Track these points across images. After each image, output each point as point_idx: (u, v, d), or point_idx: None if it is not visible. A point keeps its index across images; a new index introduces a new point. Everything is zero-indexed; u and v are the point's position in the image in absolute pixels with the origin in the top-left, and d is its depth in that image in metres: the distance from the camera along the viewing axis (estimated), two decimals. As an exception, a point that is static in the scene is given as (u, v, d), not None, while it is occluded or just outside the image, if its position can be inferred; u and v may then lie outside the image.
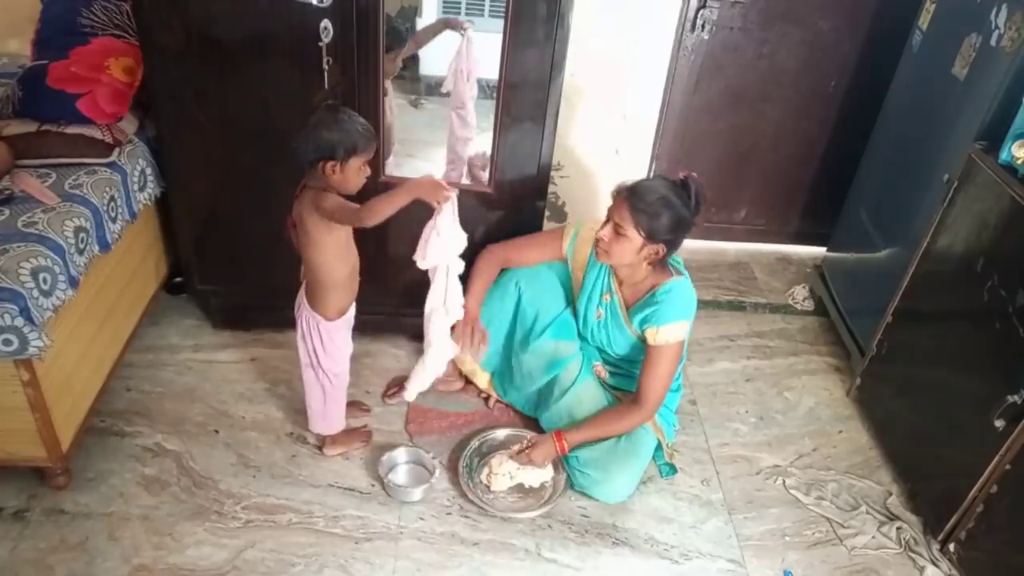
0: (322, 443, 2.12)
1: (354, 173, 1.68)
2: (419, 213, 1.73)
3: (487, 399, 2.34)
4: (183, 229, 2.30)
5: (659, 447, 2.15)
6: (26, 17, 2.47)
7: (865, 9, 2.78)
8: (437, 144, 2.30)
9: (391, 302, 2.37)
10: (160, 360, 2.37)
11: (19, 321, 1.62)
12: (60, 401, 1.85)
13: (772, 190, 3.19)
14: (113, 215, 2.04)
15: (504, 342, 2.26)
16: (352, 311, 1.93)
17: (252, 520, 1.93)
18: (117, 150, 2.13)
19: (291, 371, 2.27)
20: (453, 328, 2.00)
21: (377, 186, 2.03)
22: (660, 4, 2.63)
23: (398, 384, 2.33)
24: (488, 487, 2.04)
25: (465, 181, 2.28)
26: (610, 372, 2.23)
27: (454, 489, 2.06)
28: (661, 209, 1.87)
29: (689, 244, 3.26)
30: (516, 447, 2.08)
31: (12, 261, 1.68)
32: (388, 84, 2.10)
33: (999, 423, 1.78)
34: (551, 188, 2.68)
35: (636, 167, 2.86)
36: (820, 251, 3.04)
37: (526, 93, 2.04)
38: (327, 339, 1.89)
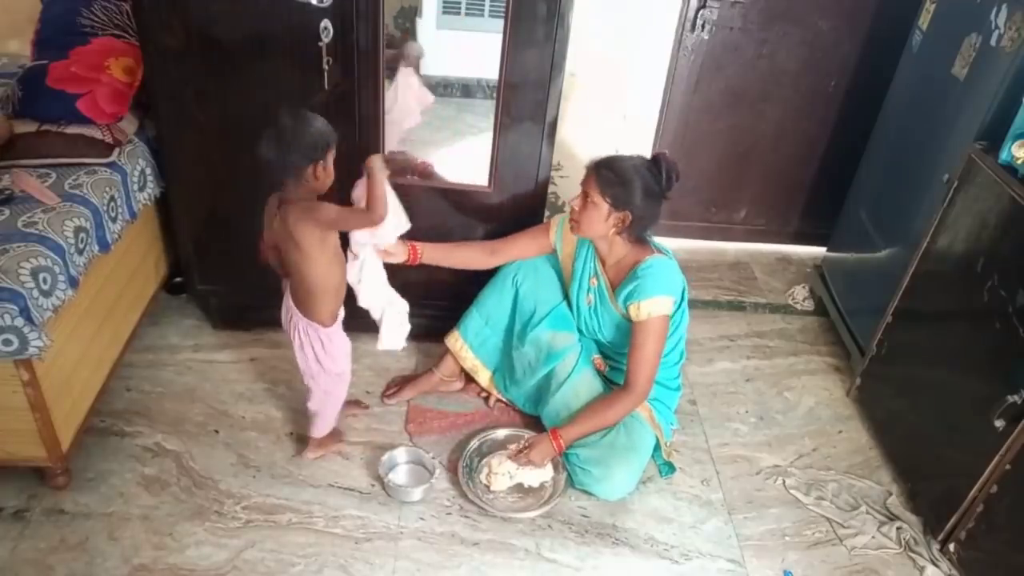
0: (306, 446, 2.10)
1: (331, 169, 1.70)
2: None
3: (487, 398, 2.35)
4: (183, 229, 2.30)
5: (657, 446, 2.15)
6: (26, 17, 2.47)
7: (865, 9, 2.78)
8: (437, 144, 2.30)
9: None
10: (160, 360, 2.38)
11: (19, 321, 1.62)
12: (60, 401, 1.85)
13: (772, 190, 3.19)
14: (113, 215, 2.04)
15: (504, 337, 2.27)
16: (342, 310, 1.93)
17: (252, 520, 1.93)
18: (117, 150, 2.13)
19: (291, 371, 2.26)
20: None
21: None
22: (660, 4, 2.63)
23: (397, 384, 2.34)
24: (488, 487, 2.04)
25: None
26: (610, 366, 2.23)
27: (454, 489, 2.06)
28: (627, 177, 1.92)
29: (689, 244, 3.27)
30: (514, 447, 2.08)
31: (12, 261, 1.68)
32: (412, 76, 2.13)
33: (999, 423, 1.78)
34: (551, 188, 2.68)
35: (636, 167, 2.86)
36: (820, 251, 3.04)
37: (526, 93, 2.04)
38: (327, 342, 1.89)
